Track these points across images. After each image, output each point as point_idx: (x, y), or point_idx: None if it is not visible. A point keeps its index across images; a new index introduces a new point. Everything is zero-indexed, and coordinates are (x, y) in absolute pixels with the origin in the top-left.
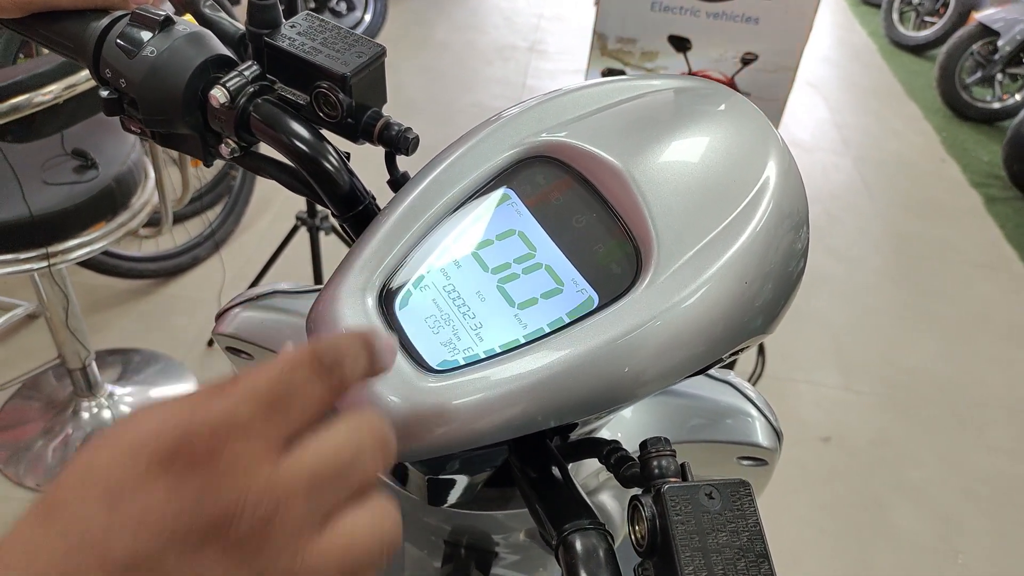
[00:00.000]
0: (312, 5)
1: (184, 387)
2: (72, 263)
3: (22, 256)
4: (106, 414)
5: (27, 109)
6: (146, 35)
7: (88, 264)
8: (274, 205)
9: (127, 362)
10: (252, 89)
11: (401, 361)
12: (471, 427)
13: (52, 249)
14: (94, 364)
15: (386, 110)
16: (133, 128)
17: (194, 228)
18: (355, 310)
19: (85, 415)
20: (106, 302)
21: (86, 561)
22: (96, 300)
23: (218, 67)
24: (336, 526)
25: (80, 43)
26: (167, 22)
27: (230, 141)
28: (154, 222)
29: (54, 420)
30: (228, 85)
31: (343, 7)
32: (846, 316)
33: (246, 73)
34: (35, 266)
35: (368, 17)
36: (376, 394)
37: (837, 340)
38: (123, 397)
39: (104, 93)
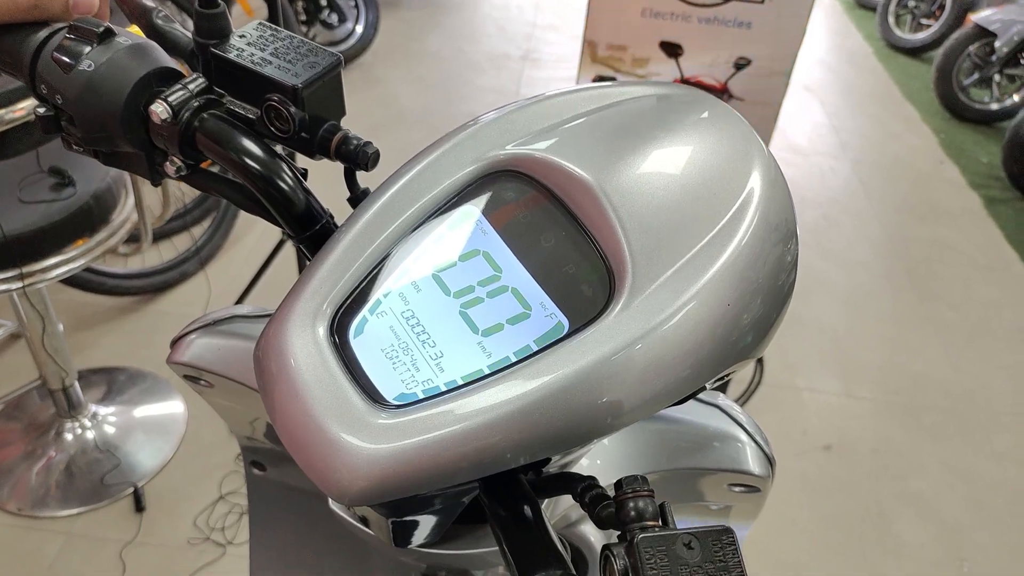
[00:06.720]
0: (303, 17)
1: (170, 405)
2: (49, 282)
3: None
4: (89, 435)
5: None
6: (84, 48)
7: (72, 282)
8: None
9: (112, 381)
10: (197, 103)
11: (353, 395)
12: (429, 468)
13: (27, 269)
14: (77, 384)
15: (378, 121)
16: (74, 146)
17: (181, 244)
18: (304, 340)
19: (68, 436)
20: (92, 320)
21: None
22: (82, 318)
23: (162, 80)
24: None
25: (17, 58)
26: (107, 34)
27: (176, 159)
28: (136, 239)
29: (36, 442)
30: (170, 99)
31: (334, 19)
32: (846, 321)
33: (191, 86)
34: (9, 287)
35: (360, 29)
36: (325, 431)
37: (837, 346)
38: (107, 417)
39: (40, 110)
